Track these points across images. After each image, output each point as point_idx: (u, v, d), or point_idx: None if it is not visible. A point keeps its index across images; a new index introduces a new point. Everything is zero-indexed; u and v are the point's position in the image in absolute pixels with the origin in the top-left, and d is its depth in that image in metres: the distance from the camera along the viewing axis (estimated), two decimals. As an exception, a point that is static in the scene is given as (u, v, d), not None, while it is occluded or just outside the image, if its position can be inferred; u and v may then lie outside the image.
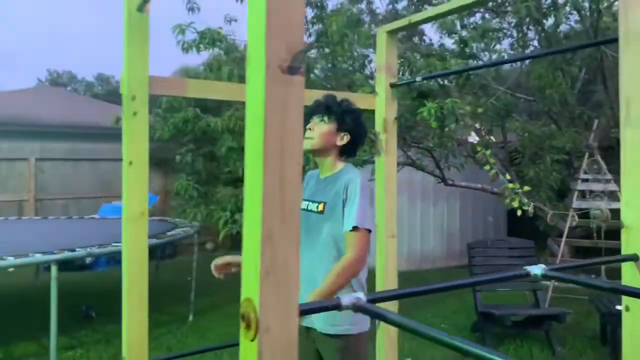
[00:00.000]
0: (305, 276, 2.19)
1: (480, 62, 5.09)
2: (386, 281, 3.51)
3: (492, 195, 6.93)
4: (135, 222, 2.67)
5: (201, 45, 4.17)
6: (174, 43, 4.82)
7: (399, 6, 7.00)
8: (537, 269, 1.92)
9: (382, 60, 3.51)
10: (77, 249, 3.99)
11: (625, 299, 2.11)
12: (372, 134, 3.45)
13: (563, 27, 6.43)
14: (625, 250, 2.08)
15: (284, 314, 1.14)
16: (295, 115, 1.17)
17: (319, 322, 2.18)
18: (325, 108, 2.37)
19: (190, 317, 5.30)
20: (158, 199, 9.32)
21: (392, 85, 3.49)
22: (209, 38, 4.14)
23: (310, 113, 2.41)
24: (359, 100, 3.14)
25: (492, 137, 6.83)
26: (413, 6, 7.19)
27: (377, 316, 1.45)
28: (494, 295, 5.24)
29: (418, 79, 3.46)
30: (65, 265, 7.97)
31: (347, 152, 2.43)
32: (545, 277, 1.93)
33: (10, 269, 8.24)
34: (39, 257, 3.62)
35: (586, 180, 5.28)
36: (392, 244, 3.65)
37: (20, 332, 4.82)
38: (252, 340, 1.13)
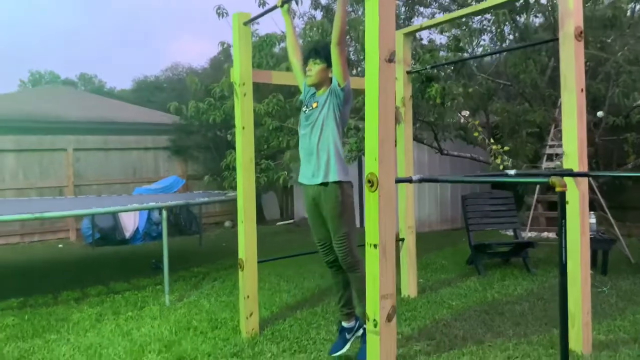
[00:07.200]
0: (306, 152, 3.23)
1: (468, 54, 6.40)
2: (407, 212, 4.86)
3: (478, 166, 8.29)
4: (247, 167, 3.99)
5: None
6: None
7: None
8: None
9: (401, 55, 4.85)
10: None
11: (566, 196, 3.42)
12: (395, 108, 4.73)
13: (535, 21, 7.79)
14: (565, 166, 3.46)
15: (388, 179, 2.56)
16: (392, 84, 2.58)
17: (328, 176, 3.13)
18: (315, 52, 3.27)
19: (240, 266, 6.52)
20: (184, 183, 10.47)
21: (408, 72, 4.82)
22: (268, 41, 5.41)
23: (307, 57, 3.32)
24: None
25: (476, 119, 8.16)
26: (406, 7, 8.50)
27: (433, 180, 2.85)
28: (482, 234, 6.64)
29: (428, 67, 4.75)
30: (108, 240, 9.13)
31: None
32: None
33: (60, 245, 9.38)
34: (153, 204, 4.79)
35: (553, 145, 6.64)
36: (410, 186, 4.97)
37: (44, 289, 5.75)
38: (374, 192, 2.55)
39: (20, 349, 3.81)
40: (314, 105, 3.27)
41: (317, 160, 3.21)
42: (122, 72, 50.78)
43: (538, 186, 6.63)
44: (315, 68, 3.27)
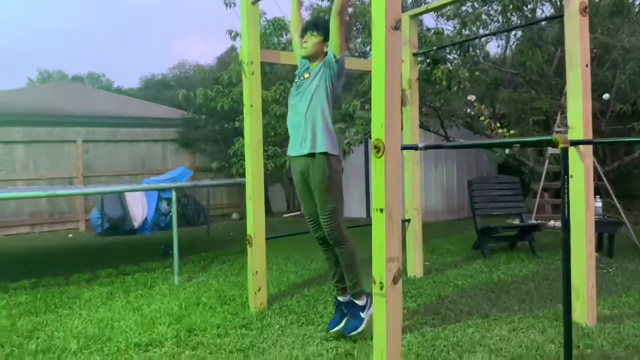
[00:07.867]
0: (294, 122, 3.20)
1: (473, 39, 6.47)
2: (413, 193, 4.90)
3: (484, 154, 8.31)
4: (255, 147, 4.05)
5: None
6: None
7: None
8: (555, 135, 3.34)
9: (407, 36, 4.89)
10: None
11: (571, 170, 3.48)
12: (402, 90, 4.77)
13: (543, 11, 7.82)
14: (570, 137, 3.49)
15: (394, 145, 2.60)
16: (399, 52, 2.63)
17: (315, 147, 3.10)
18: (314, 25, 3.28)
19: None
20: (192, 174, 10.56)
21: (414, 54, 4.85)
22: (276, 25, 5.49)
23: (305, 29, 3.32)
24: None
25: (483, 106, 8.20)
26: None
27: (436, 147, 2.92)
28: (489, 219, 6.68)
29: (434, 48, 4.78)
30: (117, 230, 9.23)
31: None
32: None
33: (70, 235, 9.49)
34: (163, 185, 4.88)
35: (559, 132, 6.64)
36: (416, 168, 5.02)
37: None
38: (380, 158, 2.60)
39: (34, 322, 3.89)
40: (306, 75, 3.24)
41: (304, 130, 3.14)
42: (129, 70, 51.28)
43: (544, 173, 6.65)
44: (311, 40, 3.24)
